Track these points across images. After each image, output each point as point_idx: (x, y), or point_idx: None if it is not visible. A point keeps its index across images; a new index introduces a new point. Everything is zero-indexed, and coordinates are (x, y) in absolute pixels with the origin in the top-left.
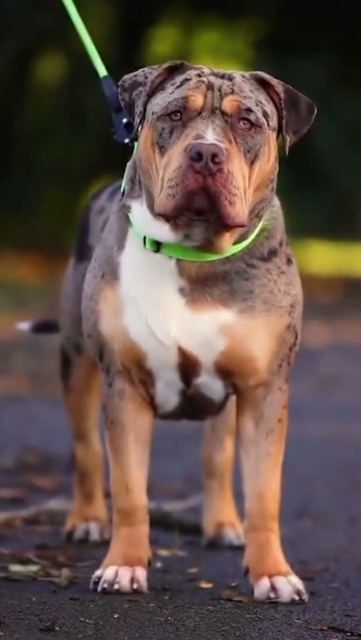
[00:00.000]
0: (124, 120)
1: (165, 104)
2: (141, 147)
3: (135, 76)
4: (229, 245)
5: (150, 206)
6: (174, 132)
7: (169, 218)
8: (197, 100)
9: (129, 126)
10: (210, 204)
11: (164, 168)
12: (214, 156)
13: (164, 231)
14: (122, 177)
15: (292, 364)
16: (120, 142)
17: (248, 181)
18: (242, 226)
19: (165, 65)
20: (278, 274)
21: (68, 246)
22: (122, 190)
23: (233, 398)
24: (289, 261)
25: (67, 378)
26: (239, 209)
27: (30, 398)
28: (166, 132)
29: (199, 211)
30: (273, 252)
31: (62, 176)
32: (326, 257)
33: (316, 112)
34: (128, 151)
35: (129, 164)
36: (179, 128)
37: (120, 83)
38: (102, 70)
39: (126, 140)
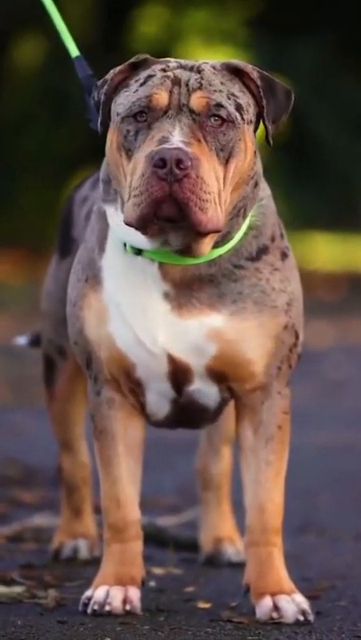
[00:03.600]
0: None
1: (129, 104)
2: (108, 151)
3: (107, 74)
4: (210, 248)
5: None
6: (140, 135)
7: (137, 228)
8: (162, 98)
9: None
10: (179, 212)
11: (131, 174)
12: (179, 162)
13: (140, 238)
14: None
15: (293, 366)
16: (96, 130)
17: (223, 182)
18: (217, 231)
19: (129, 62)
20: (271, 271)
21: (50, 243)
22: (101, 189)
23: (231, 404)
24: (284, 256)
25: (51, 384)
26: (213, 214)
27: (12, 407)
28: (131, 134)
29: (168, 218)
30: (263, 250)
31: (42, 167)
32: (329, 250)
33: (293, 98)
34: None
35: (104, 162)
36: (144, 130)
37: (96, 82)
38: (74, 50)
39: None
